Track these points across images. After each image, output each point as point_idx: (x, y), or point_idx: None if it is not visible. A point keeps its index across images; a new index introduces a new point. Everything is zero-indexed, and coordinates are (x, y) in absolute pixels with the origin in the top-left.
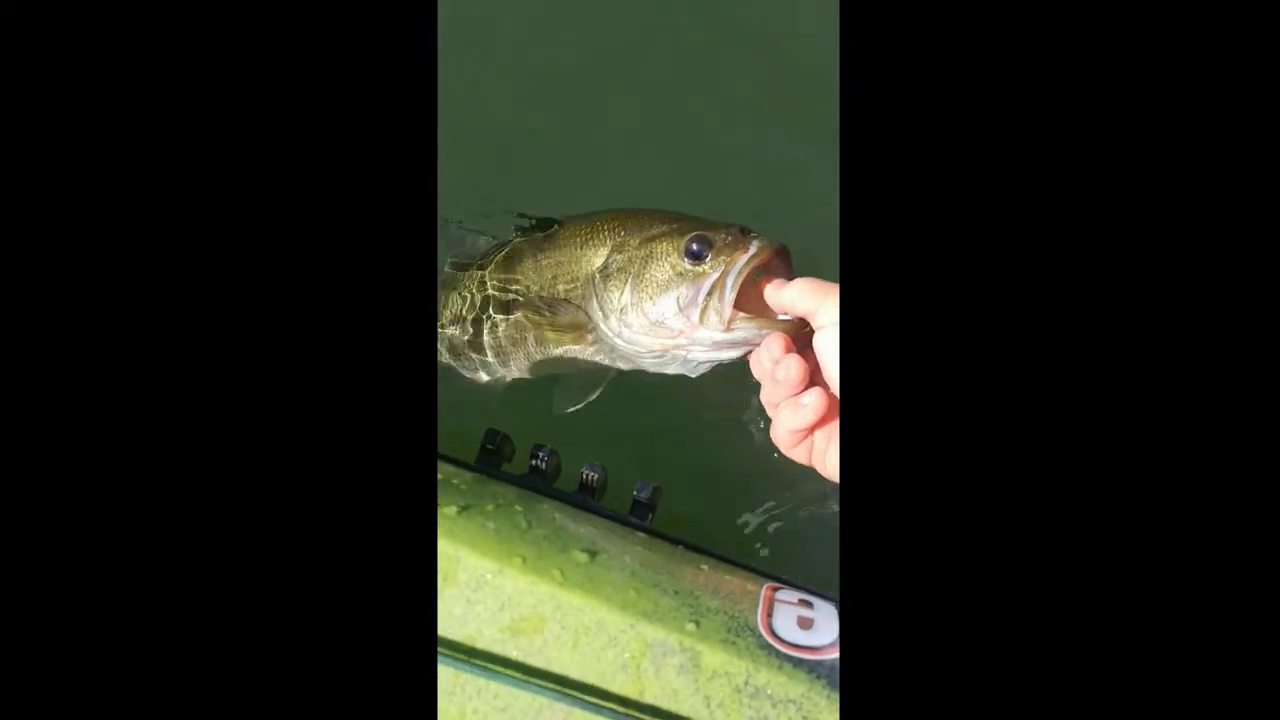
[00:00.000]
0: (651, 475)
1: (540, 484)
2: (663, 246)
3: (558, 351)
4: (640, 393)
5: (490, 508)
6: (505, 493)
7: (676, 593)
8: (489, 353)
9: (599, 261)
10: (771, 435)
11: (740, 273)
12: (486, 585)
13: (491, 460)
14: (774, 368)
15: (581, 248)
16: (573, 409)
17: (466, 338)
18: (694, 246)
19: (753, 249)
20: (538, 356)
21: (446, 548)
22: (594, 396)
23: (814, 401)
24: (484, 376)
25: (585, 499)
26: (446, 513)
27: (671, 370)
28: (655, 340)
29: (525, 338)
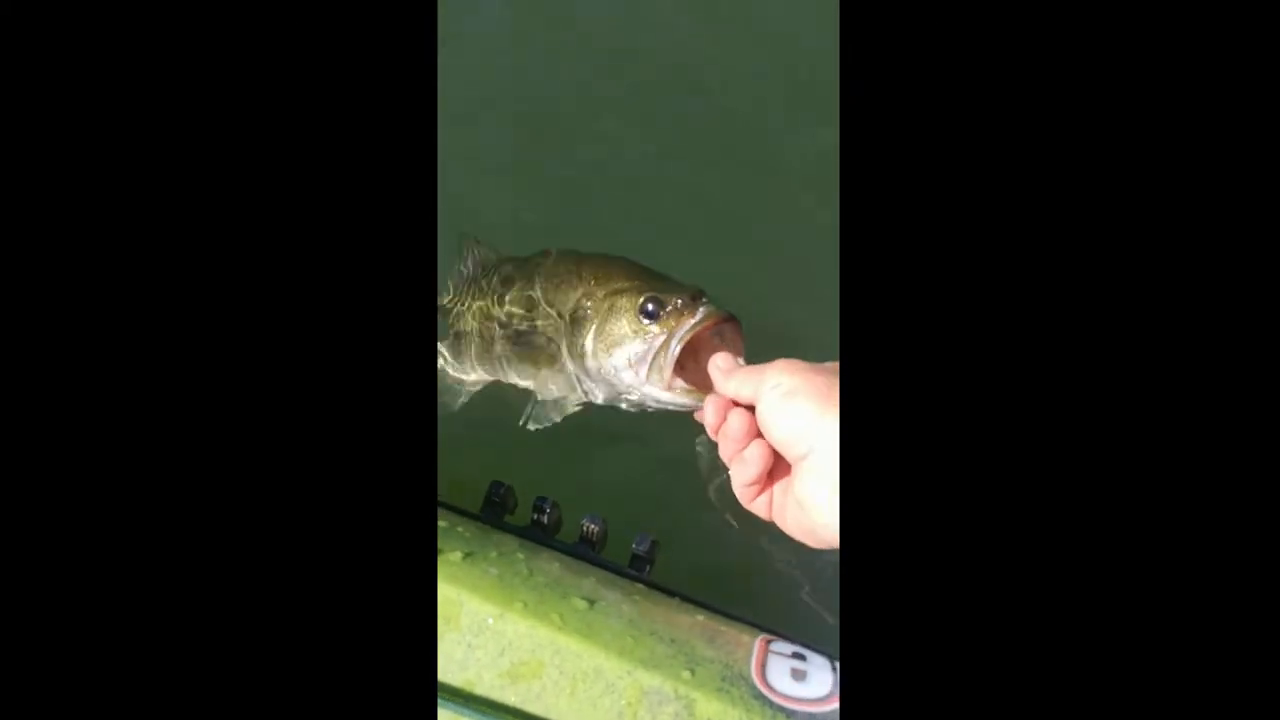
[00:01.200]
0: (650, 528)
1: (542, 536)
2: (623, 302)
3: (536, 374)
4: (641, 448)
5: (494, 554)
6: (508, 542)
7: (673, 641)
8: (478, 361)
9: (571, 305)
10: (733, 489)
11: (682, 338)
12: (488, 630)
13: (495, 511)
14: (719, 423)
15: (559, 289)
16: (541, 426)
17: (460, 346)
18: (649, 306)
19: (698, 315)
20: (520, 375)
21: (450, 592)
22: (560, 419)
23: (755, 454)
24: (475, 377)
25: (586, 550)
26: (451, 558)
27: (626, 408)
28: (609, 388)
29: (511, 356)
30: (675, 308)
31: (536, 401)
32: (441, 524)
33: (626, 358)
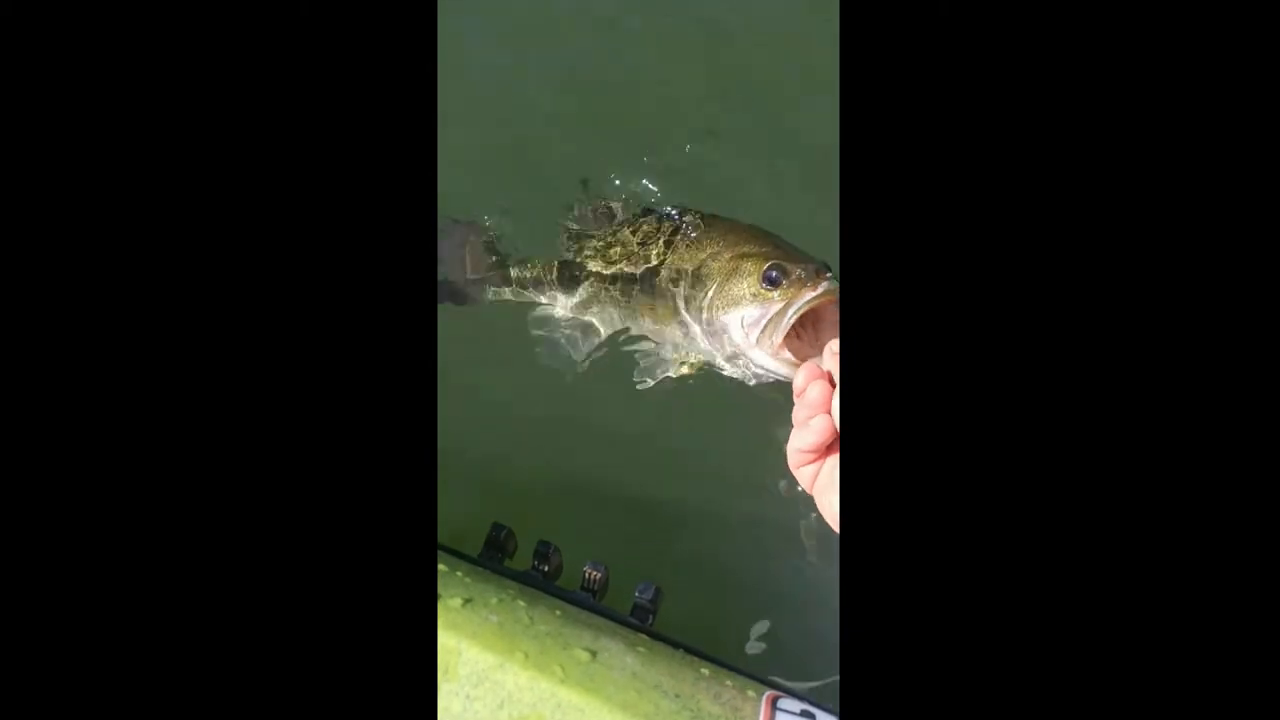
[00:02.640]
0: (653, 576)
1: (542, 581)
2: (748, 265)
3: (655, 323)
4: (645, 493)
5: (494, 601)
6: (509, 587)
7: (677, 696)
8: (601, 304)
9: (698, 261)
10: (787, 448)
11: (800, 309)
12: (487, 681)
13: (495, 555)
14: (804, 388)
15: (690, 245)
16: (646, 385)
17: (584, 289)
18: (772, 273)
19: (820, 289)
20: (637, 322)
21: (449, 640)
22: (665, 378)
23: (819, 425)
24: (592, 320)
25: (587, 598)
26: (450, 604)
27: (729, 373)
28: (718, 348)
29: (633, 303)
30: (798, 278)
31: (647, 356)
32: (441, 568)
33: (741, 318)
